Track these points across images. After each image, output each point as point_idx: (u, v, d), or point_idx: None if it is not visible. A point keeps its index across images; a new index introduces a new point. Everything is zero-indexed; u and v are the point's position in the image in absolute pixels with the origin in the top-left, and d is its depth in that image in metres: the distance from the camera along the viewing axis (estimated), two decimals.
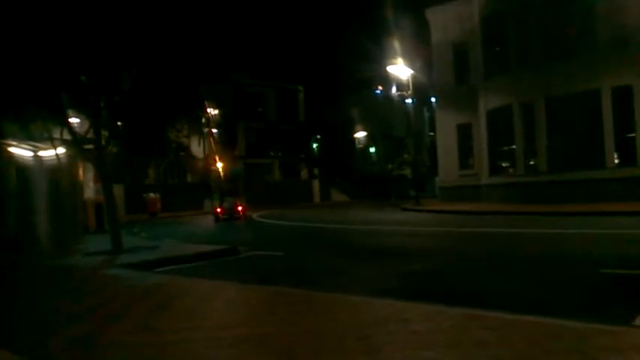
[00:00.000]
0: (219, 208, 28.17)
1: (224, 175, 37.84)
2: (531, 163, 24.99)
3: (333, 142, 61.47)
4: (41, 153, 13.14)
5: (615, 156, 22.22)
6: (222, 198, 31.23)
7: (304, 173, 60.31)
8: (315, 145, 63.32)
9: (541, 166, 24.29)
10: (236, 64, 53.78)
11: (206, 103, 46.37)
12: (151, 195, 35.27)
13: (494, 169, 27.87)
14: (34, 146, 12.87)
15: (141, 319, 5.17)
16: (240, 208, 28.31)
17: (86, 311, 5.81)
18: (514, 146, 25.73)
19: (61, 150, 12.74)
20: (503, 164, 27.49)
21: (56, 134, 11.95)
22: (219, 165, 41.38)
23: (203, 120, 46.79)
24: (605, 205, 19.27)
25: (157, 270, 9.22)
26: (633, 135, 21.62)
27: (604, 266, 7.32)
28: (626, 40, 21.64)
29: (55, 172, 13.16)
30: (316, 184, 57.01)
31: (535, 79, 24.32)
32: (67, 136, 11.71)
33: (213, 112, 48.02)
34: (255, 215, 30.48)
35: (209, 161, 42.67)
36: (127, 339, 4.48)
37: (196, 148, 47.52)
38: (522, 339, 3.82)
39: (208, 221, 27.81)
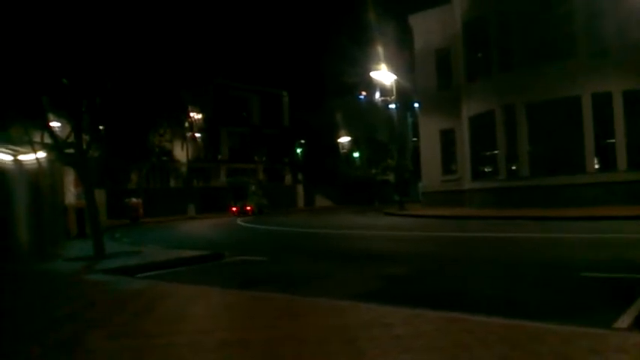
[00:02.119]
0: (234, 207, 39.18)
1: (235, 184, 45.51)
2: (513, 168, 25.25)
3: (317, 147, 61.48)
4: (21, 157, 12.96)
5: (595, 161, 22.56)
6: (236, 201, 40.68)
7: (288, 178, 60.24)
8: (299, 150, 63.30)
9: (523, 171, 24.55)
10: (220, 68, 53.62)
11: (189, 107, 46.10)
12: (133, 200, 34.89)
13: (477, 174, 28.11)
14: (13, 150, 12.68)
15: (122, 325, 5.11)
16: (248, 208, 39.07)
17: (67, 317, 5.72)
18: (496, 151, 25.99)
19: (41, 154, 12.56)
20: (486, 169, 27.73)
21: (36, 138, 11.79)
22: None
23: (186, 124, 46.50)
24: (586, 209, 19.51)
25: (139, 275, 9.13)
26: (613, 141, 21.97)
27: (585, 270, 7.41)
28: (607, 47, 22.01)
29: (36, 176, 12.99)
30: (300, 189, 56.94)
31: (517, 84, 24.60)
32: (47, 140, 11.55)
33: (196, 116, 47.75)
34: (239, 220, 30.37)
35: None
36: (108, 344, 4.42)
37: (179, 153, 47.21)
38: (504, 342, 3.84)
39: (192, 226, 27.66)
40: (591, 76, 22.22)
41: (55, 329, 5.12)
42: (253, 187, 43.88)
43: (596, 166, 22.56)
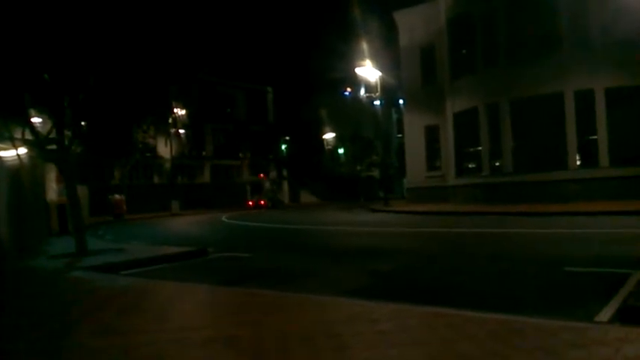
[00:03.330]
0: (251, 201, 46.33)
1: (252, 181, 52.26)
2: (497, 164, 25.46)
3: (303, 144, 61.47)
4: (2, 153, 12.76)
5: (578, 157, 22.84)
6: (252, 195, 48.20)
7: (273, 174, 60.16)
8: (284, 147, 63.23)
9: (506, 167, 24.77)
10: (205, 64, 53.27)
11: (174, 103, 45.79)
12: (117, 196, 34.61)
13: (461, 170, 28.30)
14: None
15: (106, 322, 5.06)
16: (262, 202, 45.42)
17: (50, 315, 5.66)
18: (480, 148, 26.18)
19: (22, 150, 12.39)
20: (470, 165, 27.93)
21: (17, 134, 11.63)
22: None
23: (170, 120, 46.18)
24: (568, 205, 19.76)
25: (123, 272, 9.06)
26: (595, 137, 22.25)
27: (567, 264, 7.50)
28: (590, 44, 22.26)
29: (17, 173, 12.80)
30: (285, 185, 56.89)
31: (500, 81, 24.80)
32: (28, 136, 11.40)
33: (180, 112, 47.43)
34: (224, 217, 30.26)
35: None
36: (92, 342, 4.38)
37: (163, 149, 46.87)
38: (488, 336, 3.87)
39: (176, 223, 27.52)
40: (574, 74, 22.47)
41: (38, 327, 5.06)
42: (267, 184, 51.76)
43: (579, 163, 22.84)
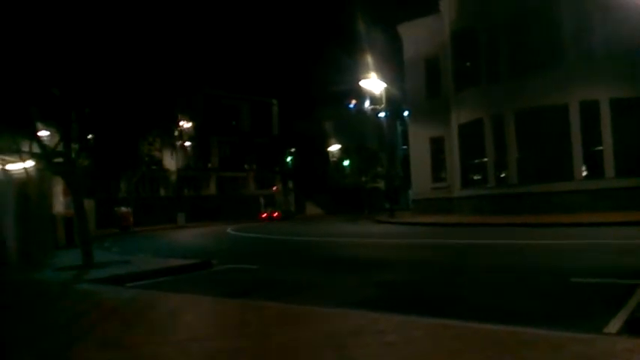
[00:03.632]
0: (265, 214, 46.79)
1: (266, 194, 52.94)
2: (502, 175, 25.41)
3: (308, 156, 61.56)
4: (9, 166, 12.85)
5: (583, 168, 22.78)
6: (266, 207, 48.72)
7: (279, 186, 60.20)
8: (289, 159, 63.30)
9: (511, 178, 24.71)
10: (210, 77, 53.56)
11: (179, 116, 45.98)
12: (123, 209, 34.73)
13: (466, 182, 28.25)
14: (1, 159, 12.56)
15: (112, 335, 5.07)
16: (275, 214, 46.49)
17: (55, 327, 5.67)
18: (485, 159, 26.16)
19: (30, 163, 12.46)
20: (475, 177, 27.89)
21: (25, 147, 11.70)
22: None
23: (176, 133, 46.38)
24: (574, 216, 19.67)
25: (129, 285, 9.06)
26: (600, 148, 22.20)
27: (574, 275, 7.45)
28: (593, 56, 22.29)
29: (24, 185, 12.88)
30: (291, 197, 56.91)
31: (505, 93, 24.82)
32: (36, 150, 11.47)
33: (186, 125, 47.66)
34: (229, 229, 30.27)
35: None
36: (97, 354, 4.38)
37: (169, 162, 47.05)
38: (495, 348, 3.85)
39: (182, 235, 27.54)
40: (578, 85, 22.48)
41: (43, 339, 5.06)
42: (280, 197, 53.68)
43: (584, 174, 22.77)
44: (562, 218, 19.02)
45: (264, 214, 47.14)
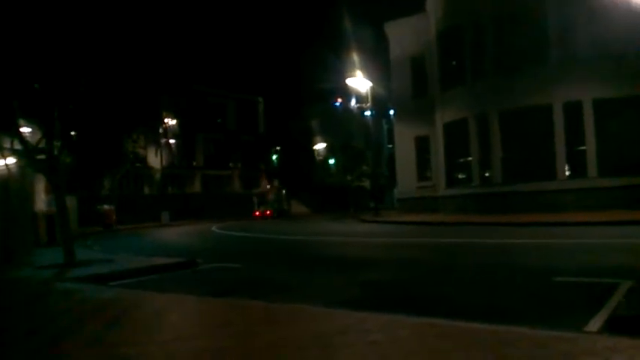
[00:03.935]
0: (258, 211, 47.89)
1: (257, 193, 54.48)
2: (486, 174, 25.59)
3: (293, 154, 61.49)
4: None
5: (567, 168, 23.02)
6: (259, 206, 49.76)
7: (264, 185, 60.06)
8: (274, 157, 63.18)
9: (496, 177, 24.90)
10: (196, 74, 53.28)
11: (164, 113, 45.68)
12: (106, 207, 34.41)
13: (451, 181, 28.41)
14: None
15: (94, 334, 5.01)
16: (268, 212, 46.99)
17: (37, 326, 5.59)
18: (470, 158, 26.32)
19: (11, 160, 12.30)
20: (460, 176, 28.06)
21: (6, 144, 11.54)
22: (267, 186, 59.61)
23: (161, 130, 46.05)
24: (557, 215, 19.87)
25: (112, 283, 8.97)
26: (584, 148, 22.45)
27: (557, 274, 7.53)
28: (578, 56, 22.52)
29: (5, 183, 12.70)
30: (282, 195, 56.81)
31: (490, 92, 25.00)
32: (17, 146, 11.32)
33: (171, 122, 47.33)
34: (214, 227, 30.14)
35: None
36: (80, 354, 4.33)
37: (153, 159, 46.70)
38: (478, 346, 3.87)
39: (166, 234, 27.37)
40: (562, 85, 22.70)
41: (24, 339, 5.00)
42: (272, 196, 54.36)
43: (567, 173, 23.02)
44: (546, 217, 19.21)
45: (257, 212, 47.87)
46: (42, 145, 11.33)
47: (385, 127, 60.70)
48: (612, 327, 4.52)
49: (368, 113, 37.96)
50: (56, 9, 10.54)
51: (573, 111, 22.52)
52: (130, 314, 5.97)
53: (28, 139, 11.68)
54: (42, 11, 10.38)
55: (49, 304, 7.14)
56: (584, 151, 22.44)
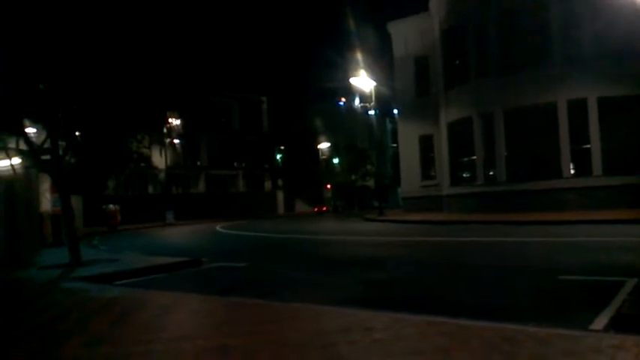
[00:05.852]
0: (316, 208, 53.82)
1: (312, 193, 58.60)
2: (491, 173, 25.54)
3: (297, 153, 61.54)
4: None
5: (571, 166, 22.95)
6: (316, 203, 55.03)
7: (268, 184, 60.09)
8: (279, 156, 63.22)
9: (500, 176, 24.84)
10: (200, 74, 53.38)
11: (168, 113, 45.74)
12: (111, 207, 34.45)
13: (455, 180, 28.37)
14: None
15: (99, 333, 5.03)
16: (324, 208, 53.59)
17: (42, 326, 5.61)
18: (474, 157, 26.27)
19: (16, 160, 12.34)
20: (464, 174, 28.02)
21: (11, 144, 11.59)
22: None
23: (165, 130, 46.11)
24: (562, 213, 19.83)
25: (117, 283, 9.00)
26: (588, 146, 22.38)
27: (561, 273, 7.51)
28: (582, 54, 22.46)
29: (10, 183, 12.75)
30: (280, 195, 56.86)
31: (494, 91, 24.94)
32: (23, 146, 11.36)
33: (175, 122, 47.39)
34: (218, 227, 30.18)
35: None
36: (85, 352, 4.35)
37: (158, 159, 46.77)
38: (483, 345, 3.87)
39: (171, 233, 27.43)
40: (566, 83, 22.63)
41: (30, 338, 5.02)
42: (328, 193, 59.91)
43: (572, 172, 22.94)
44: (550, 216, 19.16)
45: (316, 209, 53.69)
46: (47, 145, 11.37)
47: (389, 126, 60.73)
48: (618, 325, 4.51)
49: (372, 112, 37.90)
50: (61, 11, 10.57)
51: (578, 109, 22.46)
52: (135, 313, 5.99)
53: (33, 139, 11.73)
54: (47, 13, 10.41)
55: (54, 303, 7.17)
56: (589, 149, 22.37)
